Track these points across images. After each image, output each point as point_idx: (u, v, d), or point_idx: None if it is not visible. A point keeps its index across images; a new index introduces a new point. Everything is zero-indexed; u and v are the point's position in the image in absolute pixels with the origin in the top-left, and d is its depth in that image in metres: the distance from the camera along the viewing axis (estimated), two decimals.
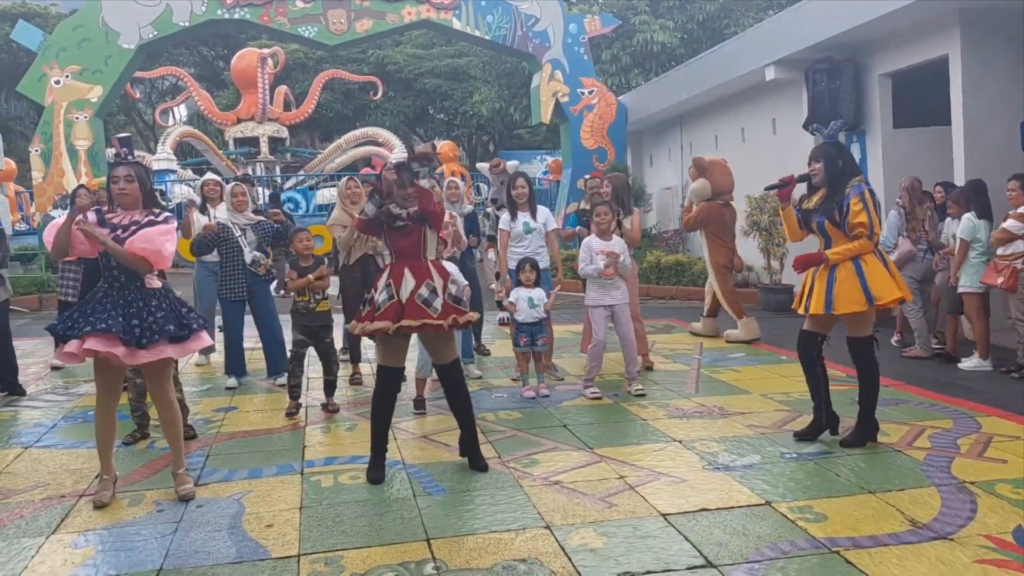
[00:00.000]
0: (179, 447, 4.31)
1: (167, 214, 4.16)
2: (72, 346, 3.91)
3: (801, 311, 4.81)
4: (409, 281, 4.32)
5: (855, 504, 3.82)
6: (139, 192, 4.10)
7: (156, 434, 5.27)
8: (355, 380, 6.75)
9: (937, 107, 8.78)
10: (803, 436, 4.83)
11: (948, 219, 7.17)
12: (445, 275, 4.46)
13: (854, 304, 4.55)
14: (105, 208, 4.17)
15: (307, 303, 5.80)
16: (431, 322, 4.28)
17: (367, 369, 7.02)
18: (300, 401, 5.90)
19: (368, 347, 7.18)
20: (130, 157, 4.18)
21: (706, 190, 7.99)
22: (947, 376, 6.49)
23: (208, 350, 7.17)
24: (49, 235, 4.18)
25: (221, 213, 7.52)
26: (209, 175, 8.12)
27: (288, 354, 6.00)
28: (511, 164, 8.32)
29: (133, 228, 4.01)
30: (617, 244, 6.05)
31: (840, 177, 4.62)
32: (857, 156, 9.77)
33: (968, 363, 6.70)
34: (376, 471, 4.36)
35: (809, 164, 4.75)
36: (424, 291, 4.31)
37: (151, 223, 4.04)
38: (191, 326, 4.11)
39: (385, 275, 4.42)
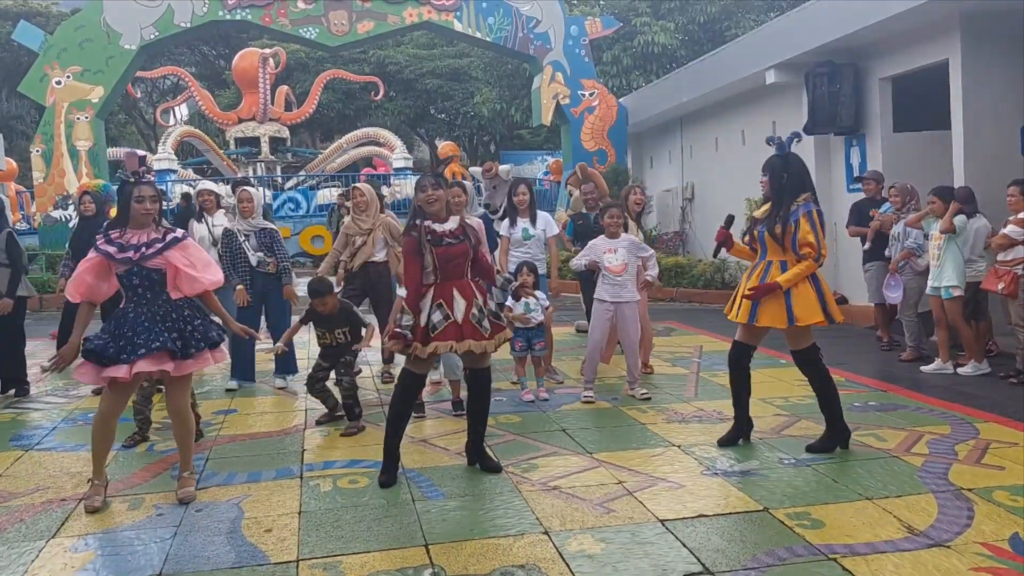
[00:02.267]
0: (189, 453, 4.35)
1: (181, 233, 4.19)
2: (122, 371, 3.93)
3: (732, 318, 4.86)
4: (460, 301, 4.33)
5: (853, 511, 3.83)
6: (158, 211, 4.14)
7: (155, 437, 5.29)
8: (386, 378, 6.82)
9: (937, 111, 8.79)
10: (725, 442, 4.90)
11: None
12: (483, 292, 4.49)
13: (775, 320, 4.59)
14: (115, 234, 4.09)
15: (329, 344, 5.60)
16: (487, 343, 4.37)
17: (366, 372, 7.04)
18: (340, 413, 5.53)
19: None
20: (149, 174, 4.19)
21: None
22: (945, 381, 6.49)
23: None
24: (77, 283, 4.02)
25: (219, 220, 7.52)
26: (204, 184, 8.09)
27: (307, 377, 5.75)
28: (503, 168, 8.32)
29: (157, 247, 4.05)
30: (624, 242, 6.06)
31: (784, 190, 4.62)
32: (857, 160, 9.79)
33: (966, 369, 6.68)
34: (387, 474, 4.39)
35: (763, 175, 4.76)
36: (475, 311, 4.36)
37: (173, 243, 4.09)
38: (221, 334, 4.29)
39: (430, 295, 4.32)
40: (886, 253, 7.59)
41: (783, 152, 4.69)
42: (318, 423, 5.60)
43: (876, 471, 4.37)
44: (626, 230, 6.37)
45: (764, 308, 4.60)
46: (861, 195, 8.60)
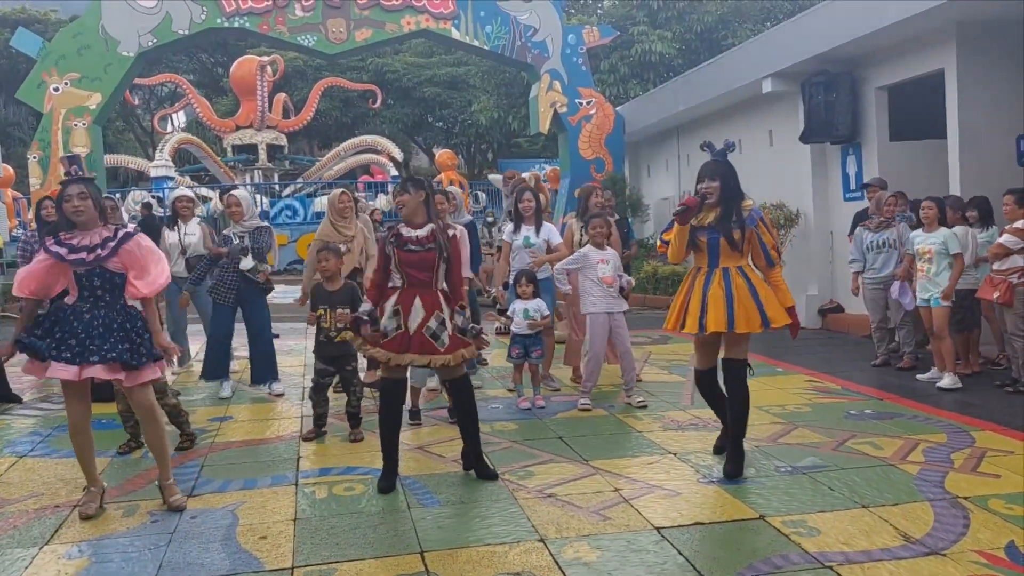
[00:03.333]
0: (165, 458, 4.25)
1: (131, 229, 4.17)
2: (71, 372, 3.86)
3: (691, 331, 4.59)
4: (419, 311, 4.32)
5: (849, 519, 3.83)
6: (94, 209, 4.01)
7: None
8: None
9: (933, 120, 8.82)
10: (719, 449, 4.86)
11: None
12: (451, 305, 4.46)
13: (752, 325, 4.46)
14: (64, 235, 4.00)
15: (328, 331, 5.48)
16: (438, 357, 4.32)
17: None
18: (325, 429, 5.49)
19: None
20: (80, 174, 4.06)
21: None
22: (941, 390, 6.49)
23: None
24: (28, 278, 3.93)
25: (192, 228, 7.49)
26: (181, 191, 8.05)
27: (311, 382, 5.69)
28: (525, 175, 8.32)
29: (111, 245, 3.97)
30: (610, 253, 6.11)
31: (734, 197, 4.57)
32: (853, 169, 9.82)
33: (942, 380, 6.61)
34: (385, 479, 4.39)
35: (702, 181, 4.59)
36: (433, 323, 4.32)
37: (126, 238, 4.01)
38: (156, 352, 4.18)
39: (393, 299, 4.37)
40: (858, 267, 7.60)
41: (724, 157, 4.64)
42: (305, 439, 5.37)
43: (872, 479, 4.37)
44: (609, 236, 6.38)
45: (740, 313, 4.46)
46: (856, 204, 8.61)
